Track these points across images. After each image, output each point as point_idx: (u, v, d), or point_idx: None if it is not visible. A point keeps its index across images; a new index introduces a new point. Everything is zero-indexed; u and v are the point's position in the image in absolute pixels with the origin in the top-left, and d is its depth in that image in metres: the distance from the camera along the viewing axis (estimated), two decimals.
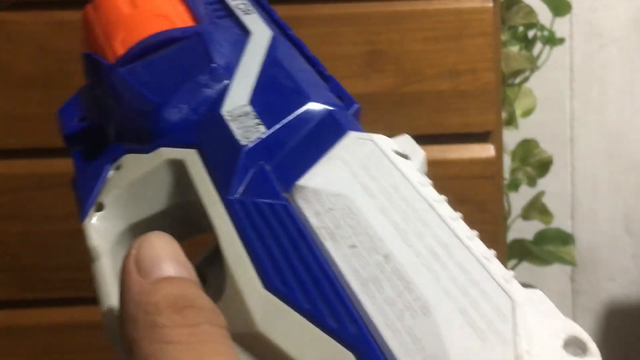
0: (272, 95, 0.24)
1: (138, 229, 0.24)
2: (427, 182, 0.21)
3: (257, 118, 0.23)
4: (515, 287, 0.18)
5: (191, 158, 0.23)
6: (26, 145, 0.64)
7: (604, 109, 0.99)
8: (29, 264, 0.66)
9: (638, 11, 0.96)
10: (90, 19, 0.29)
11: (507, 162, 0.99)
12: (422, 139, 0.24)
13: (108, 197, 0.24)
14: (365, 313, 0.18)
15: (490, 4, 0.64)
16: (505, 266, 0.18)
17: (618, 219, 1.02)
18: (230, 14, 0.29)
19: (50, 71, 0.62)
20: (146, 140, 0.24)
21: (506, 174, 0.99)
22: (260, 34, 0.27)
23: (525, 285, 0.18)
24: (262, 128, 0.23)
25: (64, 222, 0.65)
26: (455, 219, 0.19)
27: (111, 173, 0.24)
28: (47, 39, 0.62)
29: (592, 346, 0.17)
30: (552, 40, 0.97)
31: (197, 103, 0.24)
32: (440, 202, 0.20)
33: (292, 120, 0.23)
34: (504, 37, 0.96)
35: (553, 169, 1.00)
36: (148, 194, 0.24)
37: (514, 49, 0.97)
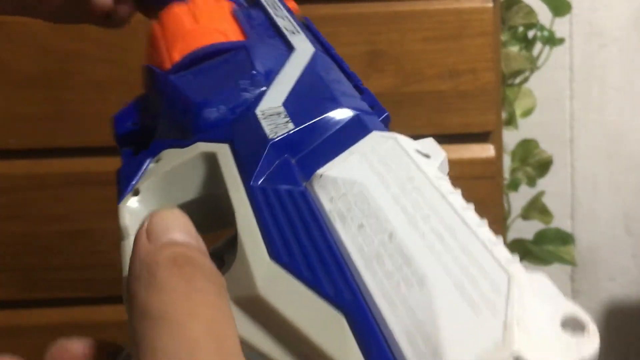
0: (305, 99, 0.26)
1: None
2: (444, 177, 0.21)
3: (288, 117, 0.25)
4: (517, 268, 0.18)
5: (223, 151, 0.25)
6: (26, 145, 0.64)
7: (604, 109, 0.99)
8: (29, 264, 0.66)
9: (638, 11, 0.96)
10: (156, 35, 0.32)
11: (507, 162, 0.99)
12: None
13: (144, 184, 0.25)
14: (365, 285, 0.18)
15: (490, 4, 0.64)
16: None
17: (618, 219, 1.02)
18: (278, 33, 0.31)
19: (50, 71, 0.62)
20: (186, 137, 0.26)
21: (506, 174, 0.99)
22: (303, 49, 0.29)
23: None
24: (291, 125, 0.24)
25: (64, 222, 0.65)
26: (466, 209, 0.20)
27: (151, 165, 0.26)
28: (47, 39, 0.62)
29: (592, 327, 0.16)
30: (552, 40, 0.97)
31: (235, 105, 0.26)
32: (453, 193, 0.20)
33: (320, 120, 0.24)
34: (504, 37, 0.96)
35: (553, 169, 1.00)
36: (181, 183, 0.25)
37: (514, 49, 0.97)
